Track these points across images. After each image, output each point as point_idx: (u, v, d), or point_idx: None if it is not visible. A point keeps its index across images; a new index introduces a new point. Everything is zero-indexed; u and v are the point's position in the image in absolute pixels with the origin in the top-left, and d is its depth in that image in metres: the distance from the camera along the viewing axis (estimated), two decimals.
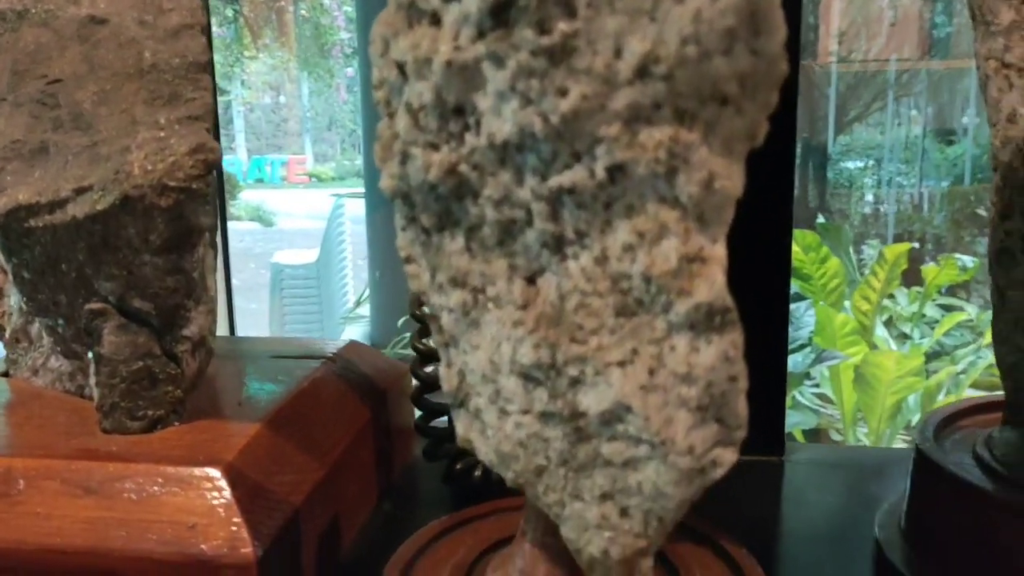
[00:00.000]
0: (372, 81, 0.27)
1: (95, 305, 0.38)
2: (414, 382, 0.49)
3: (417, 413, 0.50)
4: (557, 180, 0.24)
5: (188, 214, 0.36)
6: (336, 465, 0.42)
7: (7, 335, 0.45)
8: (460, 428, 0.29)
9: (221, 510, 0.35)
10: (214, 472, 0.36)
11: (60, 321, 0.40)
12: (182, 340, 0.39)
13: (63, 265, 0.37)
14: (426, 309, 0.46)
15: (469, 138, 0.25)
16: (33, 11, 0.39)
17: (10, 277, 0.45)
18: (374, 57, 0.26)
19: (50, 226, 0.36)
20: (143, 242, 0.36)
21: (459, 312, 0.27)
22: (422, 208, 0.27)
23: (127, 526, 0.35)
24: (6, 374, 0.46)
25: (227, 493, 0.35)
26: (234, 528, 0.35)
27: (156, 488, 0.36)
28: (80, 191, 0.36)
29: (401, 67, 0.25)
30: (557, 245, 0.25)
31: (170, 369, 0.39)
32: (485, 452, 0.28)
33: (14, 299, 0.45)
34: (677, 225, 0.23)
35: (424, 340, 0.47)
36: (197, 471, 0.36)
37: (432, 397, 0.48)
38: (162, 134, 0.36)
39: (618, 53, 0.22)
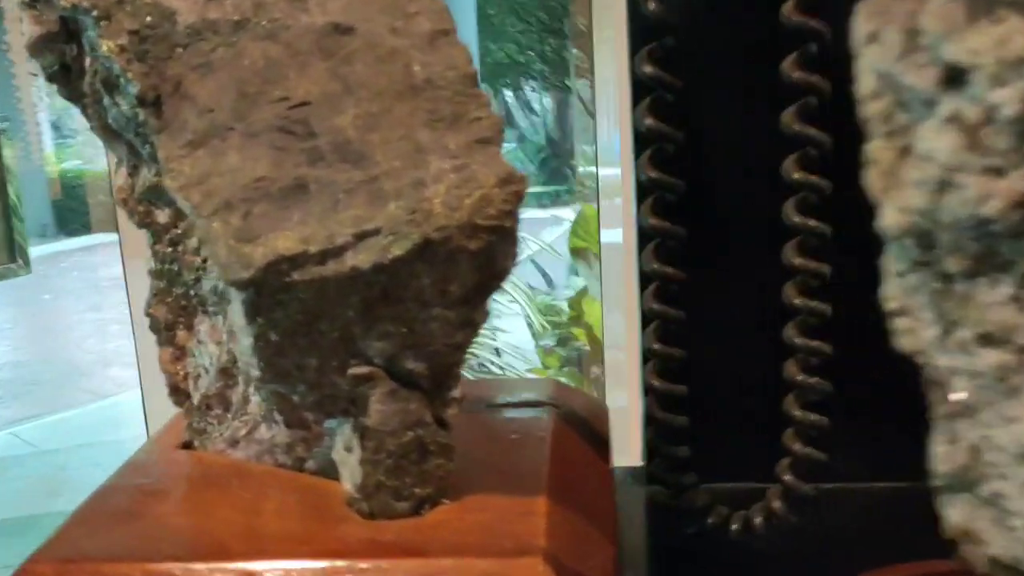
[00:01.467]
0: (861, 92, 0.22)
1: (362, 370, 0.32)
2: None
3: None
4: None
5: (497, 257, 0.30)
6: (615, 536, 0.36)
7: (195, 401, 0.39)
8: (957, 515, 0.23)
9: None
10: (536, 562, 0.30)
11: (300, 388, 0.33)
12: (451, 403, 0.33)
13: (323, 324, 0.31)
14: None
15: None
16: (254, 21, 0.32)
17: (197, 336, 0.38)
18: (879, 61, 0.21)
19: (319, 279, 0.30)
20: (438, 294, 0.30)
21: (990, 377, 0.22)
22: (950, 250, 0.21)
23: None
24: (188, 445, 0.39)
25: None
26: None
27: None
28: (362, 236, 0.29)
29: (954, 72, 0.20)
30: None
31: (440, 438, 0.33)
32: (1005, 546, 0.23)
33: (203, 359, 0.38)
34: None
35: (661, 379, 0.41)
36: (516, 562, 0.30)
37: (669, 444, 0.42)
38: (458, 163, 0.30)
39: None
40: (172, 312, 0.38)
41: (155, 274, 0.38)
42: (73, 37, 0.35)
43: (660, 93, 0.39)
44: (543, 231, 3.24)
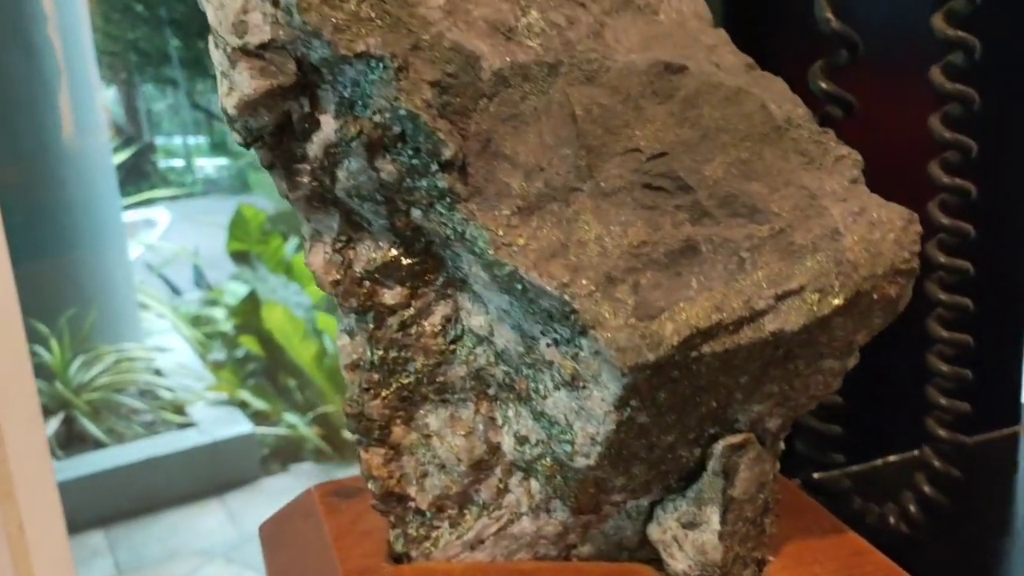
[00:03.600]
0: None
1: (736, 439, 0.29)
2: None
3: None
4: None
5: (903, 300, 0.29)
6: None
7: (422, 504, 0.33)
8: None
9: None
10: None
11: (636, 469, 0.30)
12: (779, 452, 0.32)
13: (706, 396, 0.28)
14: None
15: None
16: (567, 63, 0.28)
17: (423, 430, 0.32)
18: None
19: (732, 349, 0.27)
20: (842, 345, 0.28)
21: None
22: None
23: None
24: (400, 559, 0.34)
25: None
26: None
27: None
28: (783, 296, 0.27)
29: None
30: None
31: (775, 494, 0.32)
32: None
33: (438, 454, 0.32)
34: None
35: None
36: None
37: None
38: (855, 207, 0.28)
39: None
40: (388, 407, 0.32)
41: (369, 365, 0.32)
42: (307, 90, 0.28)
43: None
44: (138, 235, 3.02)
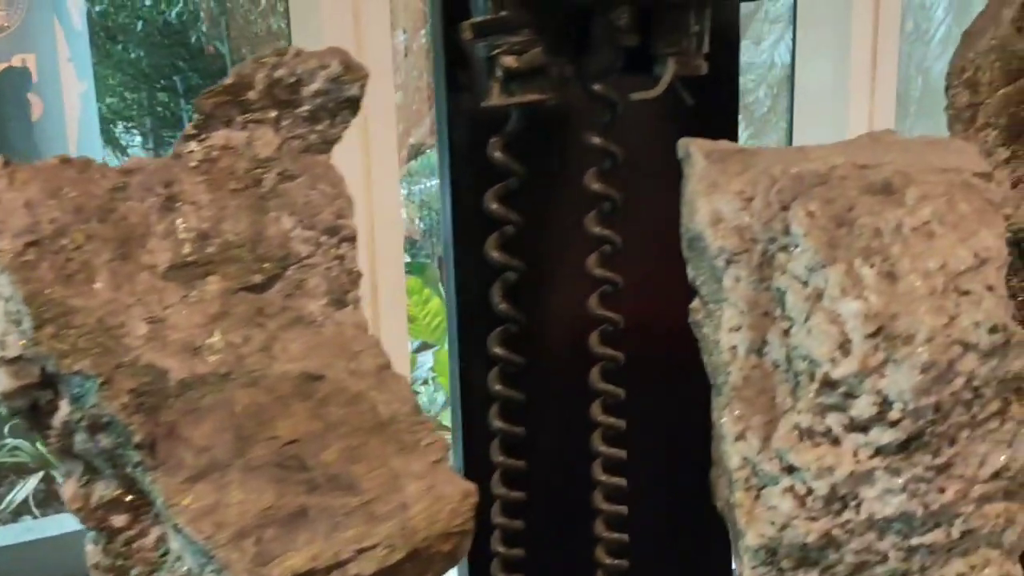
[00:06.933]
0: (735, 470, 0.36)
1: None
2: None
3: None
4: (919, 540, 0.36)
5: (460, 552, 0.41)
6: None
7: None
8: None
9: None
10: None
11: None
12: None
13: None
14: None
15: (847, 514, 0.36)
16: (238, 371, 0.41)
17: None
18: (745, 451, 0.36)
19: None
20: None
21: None
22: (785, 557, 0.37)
23: None
24: None
25: None
26: None
27: None
28: (362, 551, 0.39)
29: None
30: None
31: None
32: None
33: None
34: (998, 559, 0.36)
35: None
36: None
37: None
38: (427, 484, 0.40)
39: (981, 465, 0.34)
40: None
41: (105, 567, 0.43)
42: (50, 384, 0.40)
43: None
44: None
